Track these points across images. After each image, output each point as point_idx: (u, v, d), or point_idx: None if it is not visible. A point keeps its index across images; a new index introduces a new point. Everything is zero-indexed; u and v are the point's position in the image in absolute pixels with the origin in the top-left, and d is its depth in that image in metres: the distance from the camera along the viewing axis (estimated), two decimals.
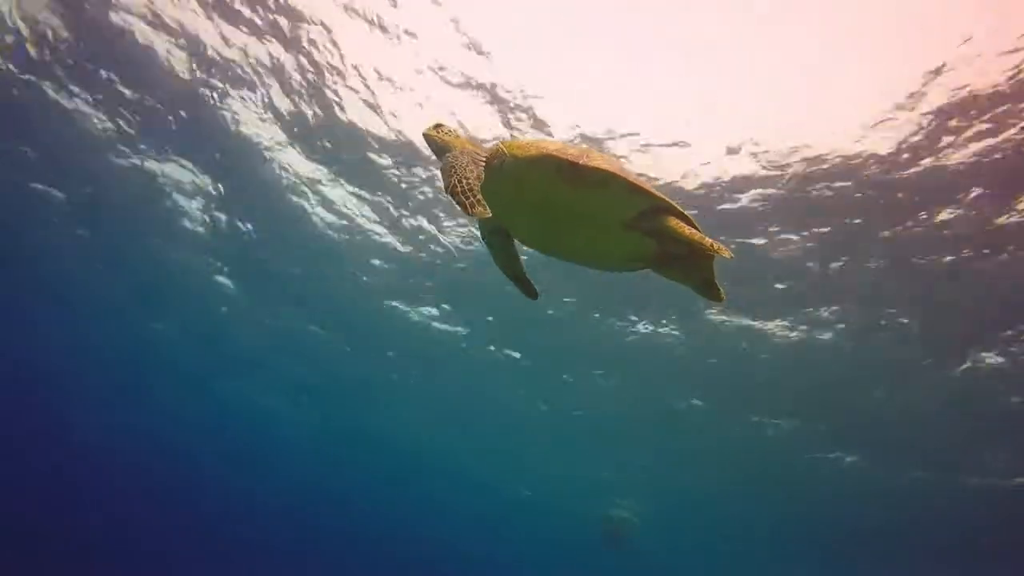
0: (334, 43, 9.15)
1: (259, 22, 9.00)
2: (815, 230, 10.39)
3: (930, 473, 18.00)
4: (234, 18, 8.97)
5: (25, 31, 9.83)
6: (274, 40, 9.27)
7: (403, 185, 11.86)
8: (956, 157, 8.51)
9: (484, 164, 2.97)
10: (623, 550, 31.65)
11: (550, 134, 9.67)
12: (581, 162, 2.83)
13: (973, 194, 8.91)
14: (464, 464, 30.10)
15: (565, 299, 14.04)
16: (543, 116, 9.54)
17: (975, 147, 8.28)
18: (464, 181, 2.71)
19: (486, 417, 23.19)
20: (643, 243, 3.08)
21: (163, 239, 15.66)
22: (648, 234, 3.03)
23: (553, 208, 3.03)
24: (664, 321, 14.10)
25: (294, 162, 12.01)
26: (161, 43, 9.65)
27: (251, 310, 18.79)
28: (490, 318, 15.96)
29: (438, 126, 3.34)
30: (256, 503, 48.99)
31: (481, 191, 3.19)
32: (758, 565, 34.13)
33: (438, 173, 10.35)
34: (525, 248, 3.47)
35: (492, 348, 17.71)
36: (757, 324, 13.36)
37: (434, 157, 3.51)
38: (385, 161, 11.30)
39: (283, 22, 8.93)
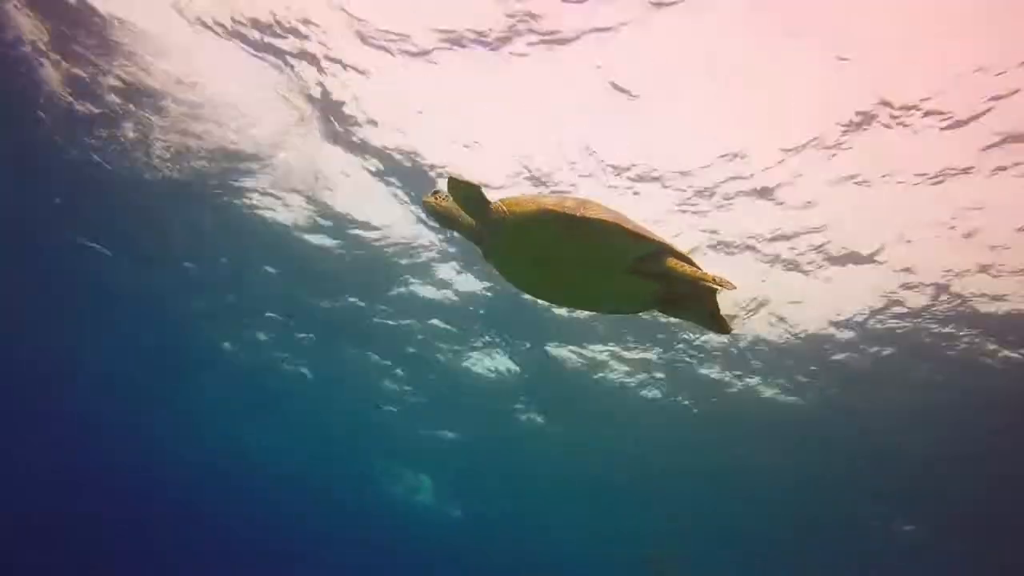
0: None
1: None
2: None
3: None
4: None
5: None
6: None
7: None
8: None
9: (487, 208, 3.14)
10: None
11: None
12: (579, 214, 2.92)
13: None
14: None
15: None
16: None
17: None
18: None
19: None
20: (647, 286, 3.15)
21: None
22: (651, 277, 3.10)
23: (557, 260, 3.11)
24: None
25: None
26: None
27: None
28: None
29: (435, 193, 3.44)
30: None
31: (487, 248, 3.33)
32: None
33: None
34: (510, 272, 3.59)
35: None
36: None
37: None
38: None
39: None
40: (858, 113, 7.95)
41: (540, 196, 3.11)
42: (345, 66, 8.60)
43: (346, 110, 9.34)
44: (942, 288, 10.44)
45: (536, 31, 7.69)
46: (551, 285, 3.38)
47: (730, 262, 10.63)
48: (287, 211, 12.01)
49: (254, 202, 11.87)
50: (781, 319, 12.02)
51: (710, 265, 9.58)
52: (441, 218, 3.43)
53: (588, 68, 8.00)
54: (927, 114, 7.74)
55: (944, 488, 16.80)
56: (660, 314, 3.43)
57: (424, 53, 8.19)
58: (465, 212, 3.21)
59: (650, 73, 7.98)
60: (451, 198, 3.39)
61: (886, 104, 7.75)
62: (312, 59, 8.61)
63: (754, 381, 14.37)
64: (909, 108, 7.74)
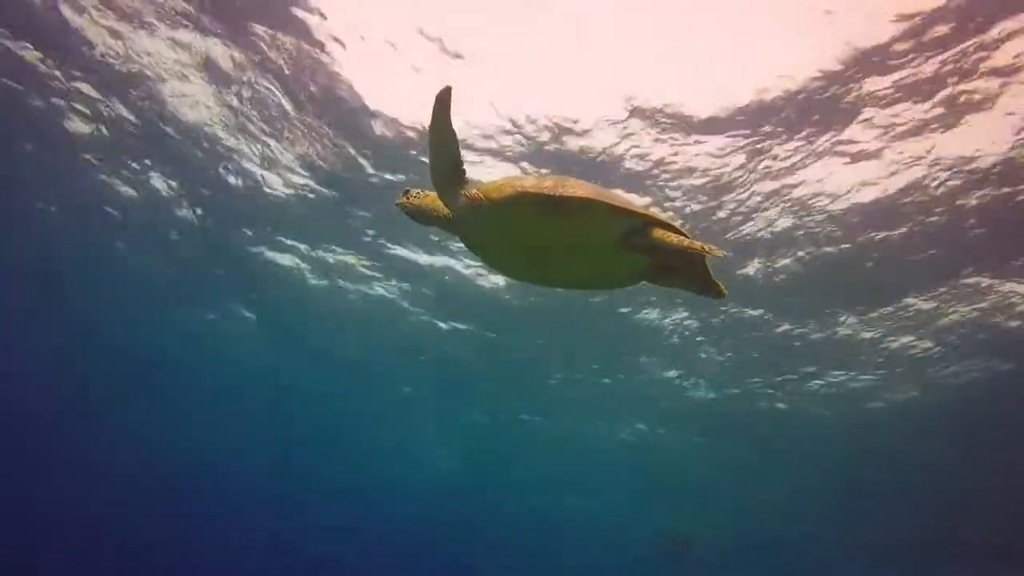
0: None
1: None
2: None
3: None
4: None
5: None
6: None
7: None
8: None
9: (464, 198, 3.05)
10: (685, 566, 30.83)
11: None
12: (558, 193, 2.82)
13: None
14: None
15: None
16: None
17: None
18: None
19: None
20: (637, 259, 3.07)
21: None
22: (640, 250, 3.03)
23: (542, 242, 3.03)
24: None
25: None
26: None
27: None
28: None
29: (406, 192, 3.39)
30: None
31: (469, 239, 3.24)
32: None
33: None
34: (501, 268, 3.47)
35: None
36: None
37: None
38: None
39: None
40: None
41: (517, 178, 3.03)
42: None
43: None
44: None
45: None
46: (538, 270, 3.30)
47: None
48: None
49: None
50: None
51: None
52: (417, 215, 3.37)
53: None
54: None
55: None
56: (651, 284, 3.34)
57: None
58: (440, 194, 3.11)
59: None
60: (422, 194, 3.35)
61: None
62: None
63: None
64: None
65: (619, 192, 3.16)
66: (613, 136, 8.99)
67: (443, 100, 2.83)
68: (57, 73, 9.32)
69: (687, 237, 2.96)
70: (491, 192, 2.97)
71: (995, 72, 7.27)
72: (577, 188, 2.88)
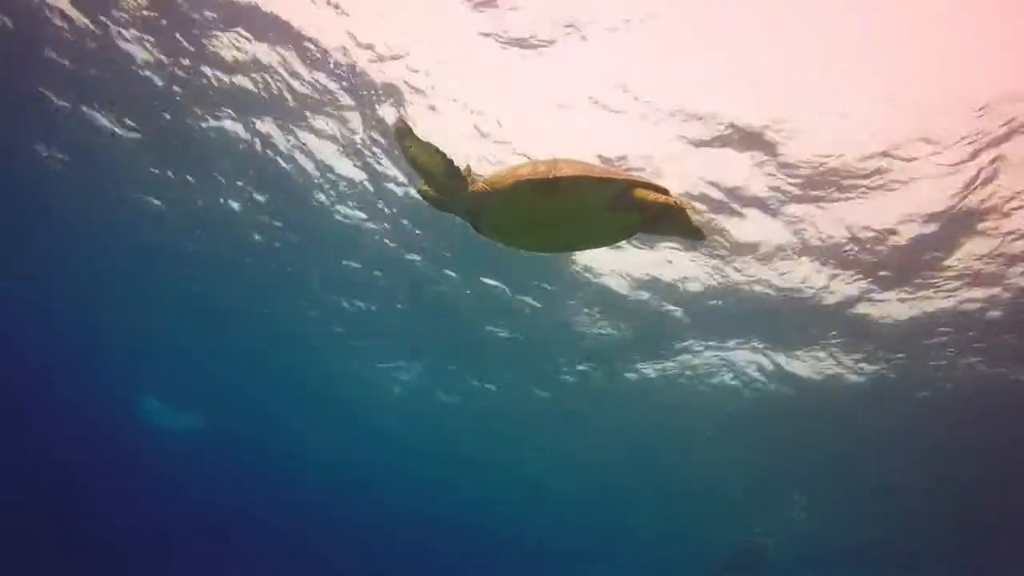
0: None
1: None
2: None
3: None
4: None
5: None
6: None
7: None
8: None
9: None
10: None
11: None
12: (550, 176, 3.38)
13: None
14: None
15: None
16: None
17: None
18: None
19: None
20: (627, 218, 3.62)
21: None
22: (628, 209, 3.57)
23: (544, 218, 3.60)
24: None
25: None
26: None
27: None
28: None
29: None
30: None
31: (481, 223, 3.79)
32: None
33: None
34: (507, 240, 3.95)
35: None
36: None
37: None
38: None
39: None
40: None
41: (516, 167, 3.61)
42: None
43: None
44: None
45: None
46: (548, 239, 3.87)
47: None
48: None
49: None
50: None
51: None
52: (436, 203, 3.84)
53: None
54: None
55: None
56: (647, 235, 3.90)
57: None
58: (449, 196, 3.64)
59: None
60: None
61: None
62: None
63: None
64: None
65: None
66: None
67: (401, 131, 3.46)
68: None
69: (664, 193, 3.52)
70: (495, 183, 3.53)
71: None
72: (565, 168, 3.42)
